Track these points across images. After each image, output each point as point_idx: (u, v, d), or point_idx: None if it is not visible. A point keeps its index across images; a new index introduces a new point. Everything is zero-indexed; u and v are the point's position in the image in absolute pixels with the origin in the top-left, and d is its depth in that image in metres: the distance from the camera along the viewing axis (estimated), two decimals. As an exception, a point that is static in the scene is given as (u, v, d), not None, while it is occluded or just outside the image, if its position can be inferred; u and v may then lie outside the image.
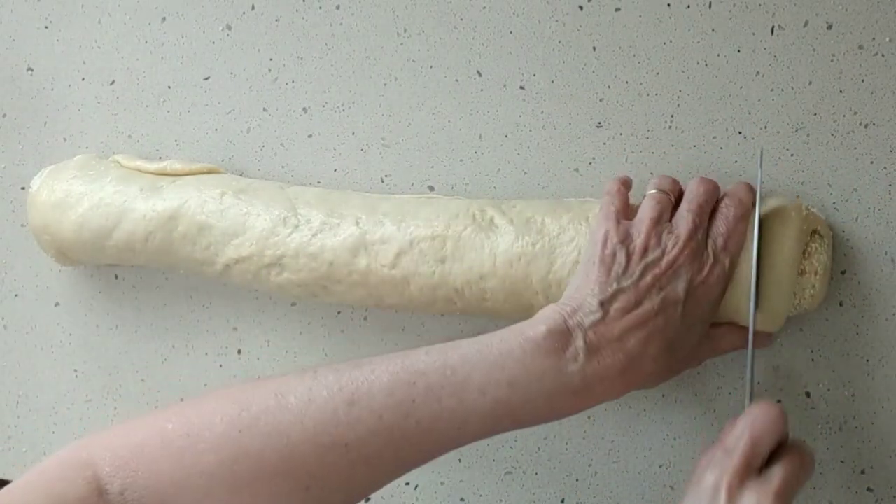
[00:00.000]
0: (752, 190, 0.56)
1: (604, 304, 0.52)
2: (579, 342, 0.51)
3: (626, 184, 0.57)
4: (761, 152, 0.57)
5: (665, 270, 0.52)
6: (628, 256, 0.53)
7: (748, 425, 0.49)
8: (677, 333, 0.52)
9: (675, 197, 0.56)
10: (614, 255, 0.53)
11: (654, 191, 0.56)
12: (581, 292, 0.53)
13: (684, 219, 0.54)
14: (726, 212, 0.54)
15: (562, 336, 0.51)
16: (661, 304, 0.52)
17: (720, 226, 0.54)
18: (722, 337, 0.56)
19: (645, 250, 0.53)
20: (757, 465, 0.49)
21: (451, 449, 0.52)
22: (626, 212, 0.55)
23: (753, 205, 0.55)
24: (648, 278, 0.52)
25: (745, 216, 0.54)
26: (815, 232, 0.56)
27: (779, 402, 0.60)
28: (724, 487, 0.47)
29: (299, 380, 0.51)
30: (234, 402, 0.51)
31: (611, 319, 0.51)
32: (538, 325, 0.51)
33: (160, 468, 0.50)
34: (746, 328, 0.55)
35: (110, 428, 0.53)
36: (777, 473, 0.48)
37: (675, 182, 0.57)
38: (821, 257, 0.56)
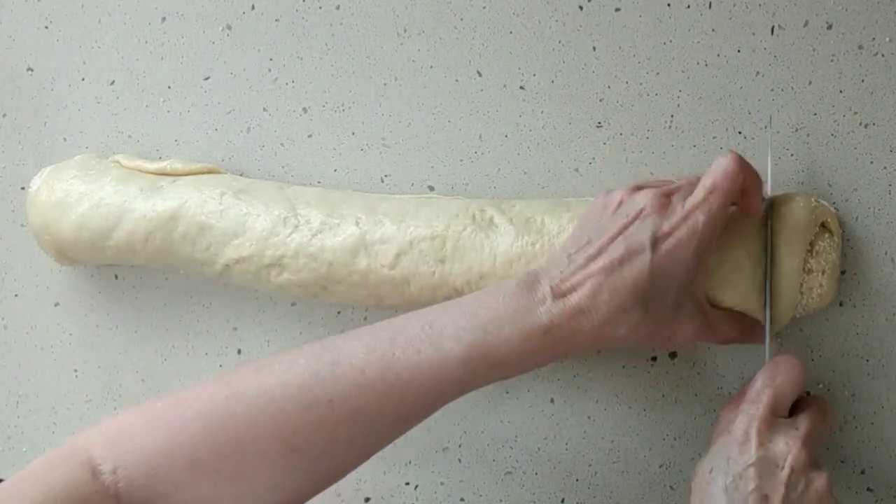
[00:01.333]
0: (753, 171, 0.54)
1: (570, 255, 0.53)
2: (545, 287, 0.52)
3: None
4: (770, 119, 0.57)
5: (632, 219, 0.53)
6: (601, 213, 0.54)
7: (770, 375, 0.52)
8: (646, 285, 0.52)
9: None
10: (590, 214, 0.55)
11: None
12: (556, 250, 0.55)
13: (671, 183, 0.55)
14: (714, 169, 0.53)
15: (530, 283, 0.53)
16: (625, 253, 0.52)
17: (705, 180, 0.53)
18: (720, 321, 0.55)
19: (618, 204, 0.54)
20: (781, 413, 0.51)
21: (432, 406, 0.53)
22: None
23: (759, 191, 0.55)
24: (614, 228, 0.53)
25: (732, 180, 0.53)
26: (823, 226, 0.56)
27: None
28: (755, 432, 0.50)
29: (283, 353, 0.53)
30: (220, 378, 0.53)
31: (576, 267, 0.53)
32: (511, 279, 0.54)
33: (149, 441, 0.51)
34: (746, 321, 0.56)
35: (109, 417, 0.54)
36: (802, 420, 0.51)
37: (690, 182, 0.56)
38: (829, 256, 0.55)
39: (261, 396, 0.51)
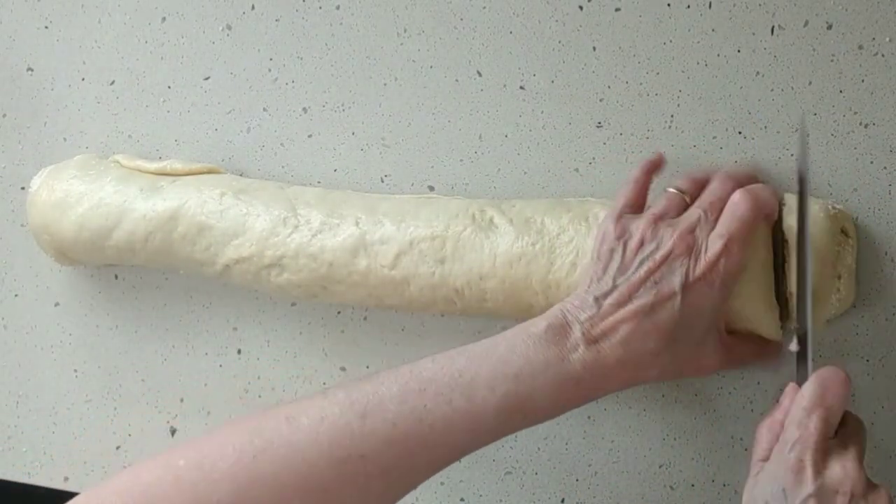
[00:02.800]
0: (773, 193, 0.55)
1: (598, 299, 0.52)
2: (577, 334, 0.52)
3: (650, 171, 0.57)
4: (803, 119, 0.57)
5: (659, 264, 0.52)
6: (624, 253, 0.53)
7: (819, 394, 0.49)
8: (677, 327, 0.52)
9: (693, 196, 0.55)
10: (611, 252, 0.53)
11: (670, 189, 0.56)
12: (581, 289, 0.54)
13: (688, 213, 0.54)
14: (737, 210, 0.53)
15: (561, 329, 0.52)
16: (656, 298, 0.52)
17: (727, 221, 0.53)
18: (735, 346, 0.55)
19: (641, 244, 0.53)
20: (831, 433, 0.49)
21: (465, 453, 0.52)
22: (638, 204, 0.56)
23: (778, 207, 0.55)
24: (642, 272, 0.52)
25: (754, 217, 0.53)
26: (842, 231, 0.56)
27: (778, 401, 0.60)
28: (810, 461, 0.47)
29: (309, 401, 0.52)
30: (245, 431, 0.51)
31: (604, 313, 0.52)
32: (540, 321, 0.53)
33: None
34: (760, 342, 0.55)
35: (120, 472, 0.52)
36: (851, 439, 0.49)
37: (698, 182, 0.56)
38: (846, 260, 0.55)
39: (290, 456, 0.50)
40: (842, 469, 0.47)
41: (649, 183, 0.57)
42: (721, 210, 0.54)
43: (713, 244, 0.52)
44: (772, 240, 0.55)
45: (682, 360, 0.53)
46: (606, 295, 0.52)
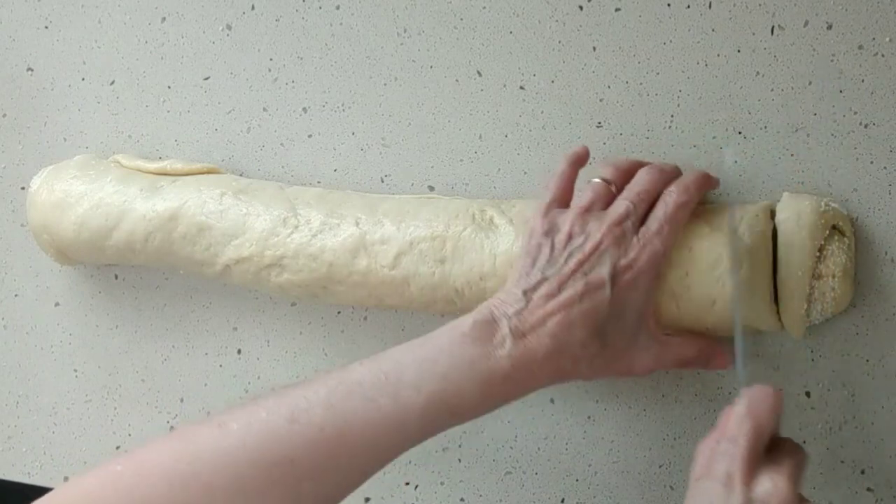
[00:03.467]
0: (706, 179, 0.55)
1: (526, 293, 0.53)
2: (504, 329, 0.52)
3: (576, 163, 0.57)
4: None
5: (588, 255, 0.52)
6: (553, 246, 0.53)
7: (749, 411, 0.49)
8: (606, 318, 0.52)
9: (619, 185, 0.55)
10: (539, 246, 0.54)
11: (596, 179, 0.56)
12: (509, 284, 0.54)
13: (616, 205, 0.54)
14: (667, 198, 0.54)
15: (488, 325, 0.52)
16: (585, 288, 0.52)
17: (658, 211, 0.54)
18: (674, 345, 0.55)
19: (569, 237, 0.53)
20: (762, 449, 0.48)
21: (397, 453, 0.52)
22: (565, 199, 0.56)
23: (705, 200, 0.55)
24: (572, 264, 0.53)
25: (686, 204, 0.54)
26: (835, 229, 0.56)
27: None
28: (738, 476, 0.47)
29: (241, 408, 0.52)
30: (181, 439, 0.52)
31: (534, 306, 0.52)
32: (466, 318, 0.53)
33: None
34: (707, 343, 0.55)
35: (63, 484, 0.53)
36: (785, 456, 0.48)
37: (623, 171, 0.56)
38: (838, 259, 0.55)
39: (221, 458, 0.50)
40: (771, 483, 0.46)
41: (575, 176, 0.57)
42: (648, 201, 0.54)
43: (643, 235, 0.53)
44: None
45: (613, 355, 0.53)
46: (535, 288, 0.53)
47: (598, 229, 0.53)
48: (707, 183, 0.56)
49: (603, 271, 0.52)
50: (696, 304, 0.54)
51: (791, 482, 0.47)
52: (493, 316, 0.52)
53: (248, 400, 0.52)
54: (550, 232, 0.54)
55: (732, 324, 0.52)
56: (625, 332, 0.53)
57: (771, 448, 0.49)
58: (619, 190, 0.55)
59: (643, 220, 0.54)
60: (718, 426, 0.50)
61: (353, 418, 0.50)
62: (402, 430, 0.51)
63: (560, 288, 0.52)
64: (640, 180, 0.55)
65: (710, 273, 0.54)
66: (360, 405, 0.51)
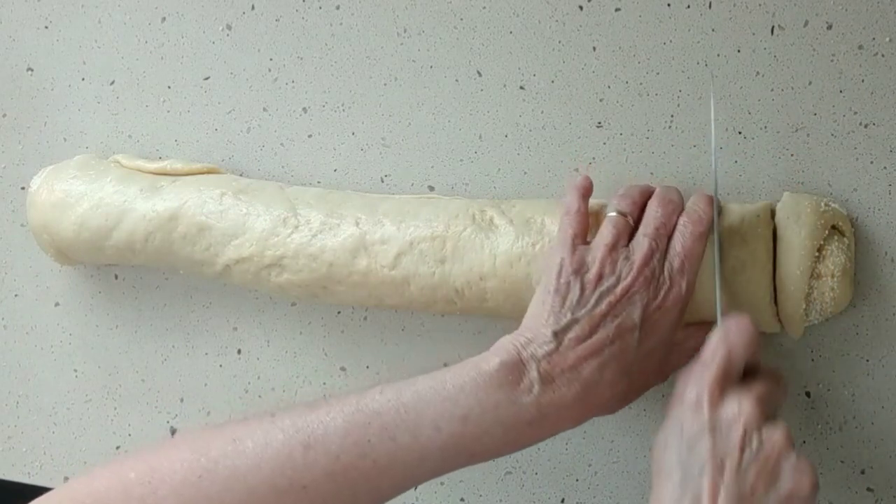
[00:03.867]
0: (710, 202, 0.55)
1: (557, 335, 0.51)
2: (533, 373, 0.51)
3: (586, 196, 0.56)
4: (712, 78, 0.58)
5: (620, 298, 0.52)
6: (583, 286, 0.53)
7: (722, 336, 0.50)
8: (634, 359, 0.52)
9: (635, 216, 0.55)
10: (569, 284, 0.53)
11: (613, 213, 0.55)
12: (536, 322, 0.53)
13: (640, 244, 0.53)
14: (683, 230, 0.54)
15: (515, 368, 0.51)
16: (616, 332, 0.52)
17: (676, 246, 0.54)
18: (688, 339, 0.55)
19: (600, 278, 0.53)
20: (734, 375, 0.49)
21: (409, 487, 0.52)
22: (585, 233, 0.55)
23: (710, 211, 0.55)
24: (603, 306, 0.52)
25: (702, 234, 0.54)
26: (835, 228, 0.56)
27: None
28: (706, 396, 0.48)
29: (257, 424, 0.51)
30: (194, 450, 0.51)
31: (564, 349, 0.51)
32: (492, 357, 0.51)
33: None
34: (702, 328, 0.55)
35: (77, 477, 0.53)
36: (756, 381, 0.49)
37: (634, 202, 0.56)
38: (837, 259, 0.55)
39: (233, 480, 0.50)
40: (737, 404, 0.47)
41: (587, 209, 0.56)
42: (667, 235, 0.54)
43: (668, 272, 0.53)
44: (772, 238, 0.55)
45: (636, 386, 0.54)
46: (566, 329, 0.52)
47: (628, 271, 0.53)
48: (710, 203, 0.56)
49: (634, 315, 0.52)
50: (701, 303, 0.55)
51: (758, 403, 0.48)
52: (522, 358, 0.51)
53: (265, 416, 0.52)
54: (580, 271, 0.53)
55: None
56: (650, 366, 0.53)
57: (749, 377, 0.50)
58: (636, 221, 0.55)
59: (665, 254, 0.54)
60: (696, 356, 0.51)
61: (369, 451, 0.50)
62: (419, 466, 0.51)
63: (591, 331, 0.51)
64: (655, 214, 0.55)
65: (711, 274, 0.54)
66: (377, 438, 0.50)
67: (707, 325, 0.55)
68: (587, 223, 0.56)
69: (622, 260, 0.53)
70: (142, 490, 0.50)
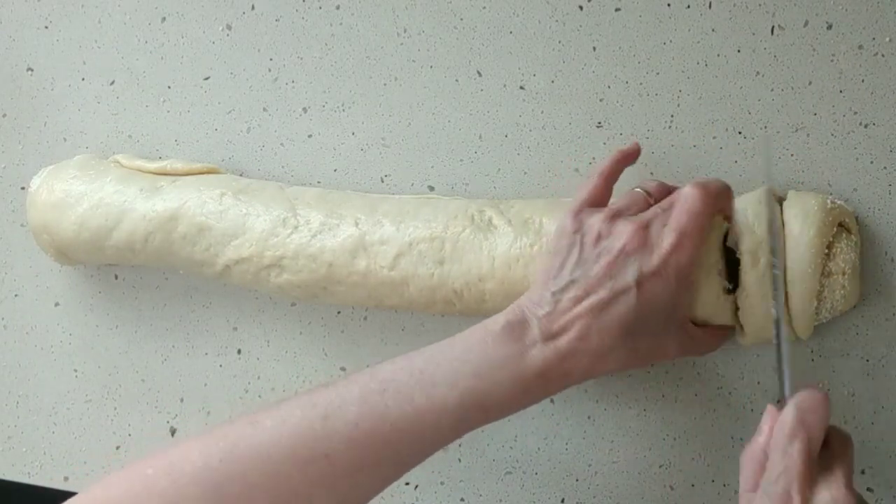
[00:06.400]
0: (724, 186, 0.55)
1: (555, 294, 0.53)
2: (535, 330, 0.52)
3: (621, 162, 0.57)
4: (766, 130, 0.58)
5: (616, 258, 0.53)
6: (582, 248, 0.54)
7: (800, 420, 0.47)
8: (634, 320, 0.52)
9: (658, 199, 0.55)
10: (569, 246, 0.54)
11: (637, 189, 0.56)
12: (539, 284, 0.54)
13: (646, 211, 0.54)
14: (686, 200, 0.54)
15: (519, 325, 0.52)
16: (612, 293, 0.52)
17: (678, 214, 0.53)
18: (702, 336, 0.56)
19: (598, 238, 0.53)
20: (814, 456, 0.47)
21: (431, 451, 0.53)
22: (601, 200, 0.56)
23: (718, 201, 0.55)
24: (600, 267, 0.53)
25: (706, 210, 0.53)
26: (841, 226, 0.55)
27: (778, 401, 0.60)
28: (796, 493, 0.46)
29: (273, 407, 0.52)
30: (211, 436, 0.51)
31: (563, 309, 0.52)
32: (499, 317, 0.53)
33: None
34: (724, 332, 0.56)
35: (95, 483, 0.52)
36: (838, 463, 0.47)
37: (663, 185, 0.56)
38: (847, 256, 0.55)
39: (256, 457, 0.50)
40: (829, 495, 0.45)
41: (617, 176, 0.57)
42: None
43: (666, 238, 0.53)
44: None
45: (641, 351, 0.54)
46: (564, 290, 0.53)
47: (624, 231, 0.53)
48: (723, 188, 0.55)
49: (629, 277, 0.52)
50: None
51: (848, 488, 0.46)
52: (524, 316, 0.53)
53: (279, 400, 0.52)
54: (579, 231, 0.54)
55: (773, 323, 0.52)
56: (652, 331, 0.53)
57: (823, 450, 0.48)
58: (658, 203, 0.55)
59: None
60: (762, 431, 0.49)
61: (387, 414, 0.51)
62: (436, 426, 0.51)
63: (587, 292, 0.52)
64: (676, 194, 0.54)
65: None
66: (394, 401, 0.51)
67: (723, 330, 0.56)
68: (607, 190, 0.57)
69: (622, 222, 0.53)
70: (162, 483, 0.50)
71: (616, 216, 0.54)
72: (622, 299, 0.52)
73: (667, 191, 0.56)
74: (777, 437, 0.47)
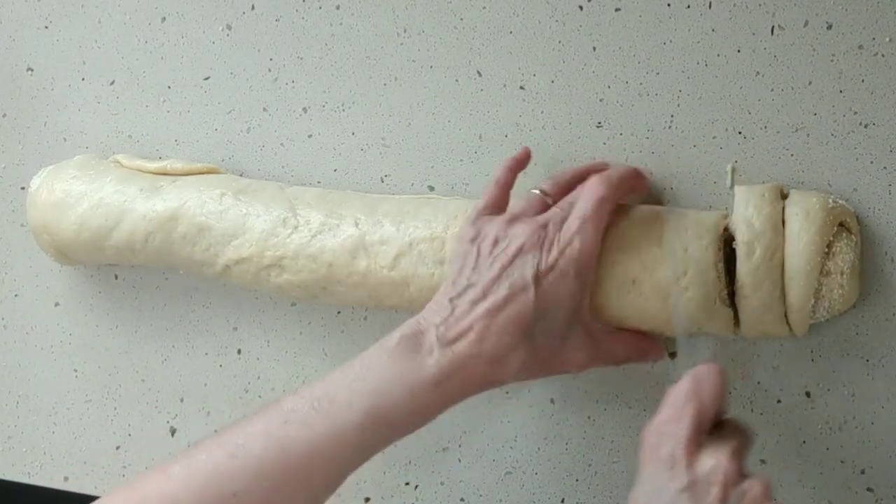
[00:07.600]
0: (632, 175, 0.55)
1: (453, 300, 0.53)
2: (432, 338, 0.52)
3: (514, 169, 0.57)
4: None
5: (511, 258, 0.53)
6: (478, 252, 0.54)
7: (693, 388, 0.49)
8: (532, 321, 0.52)
9: (557, 199, 0.56)
10: (466, 253, 0.54)
11: (534, 191, 0.56)
12: (438, 294, 0.55)
13: (544, 211, 0.54)
14: (586, 193, 0.54)
15: (414, 337, 0.53)
16: (509, 293, 0.52)
17: (577, 207, 0.54)
18: (612, 343, 0.56)
19: (495, 243, 0.54)
20: (706, 427, 0.49)
21: (342, 475, 0.53)
22: (500, 206, 0.56)
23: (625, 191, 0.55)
24: (495, 269, 0.53)
25: (604, 199, 0.54)
26: (842, 226, 0.55)
27: (779, 401, 0.60)
28: (682, 454, 0.47)
29: (184, 453, 0.53)
30: (132, 488, 0.52)
31: (460, 313, 0.53)
32: (394, 334, 0.53)
33: None
34: (645, 340, 0.56)
35: None
36: (729, 434, 0.49)
37: (558, 183, 0.57)
38: (846, 256, 0.55)
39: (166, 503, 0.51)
40: (714, 461, 0.46)
41: (512, 183, 0.57)
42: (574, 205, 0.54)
43: (564, 233, 0.53)
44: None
45: (544, 355, 0.53)
46: (461, 295, 0.53)
47: (522, 233, 0.53)
48: (635, 180, 0.56)
49: (526, 274, 0.52)
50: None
51: (734, 458, 0.47)
52: (420, 327, 0.53)
53: (190, 446, 0.53)
54: (476, 238, 0.55)
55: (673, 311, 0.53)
56: (554, 332, 0.53)
57: (717, 428, 0.49)
58: (556, 203, 0.56)
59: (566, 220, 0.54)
60: (662, 407, 0.50)
61: (290, 444, 0.51)
62: (342, 449, 0.51)
63: (485, 293, 0.53)
64: (576, 193, 0.55)
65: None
66: (296, 431, 0.51)
67: (639, 334, 0.56)
68: (504, 197, 0.57)
69: (519, 224, 0.54)
70: None
71: (514, 220, 0.54)
72: (520, 298, 0.52)
73: (563, 189, 0.56)
74: (672, 404, 0.49)
